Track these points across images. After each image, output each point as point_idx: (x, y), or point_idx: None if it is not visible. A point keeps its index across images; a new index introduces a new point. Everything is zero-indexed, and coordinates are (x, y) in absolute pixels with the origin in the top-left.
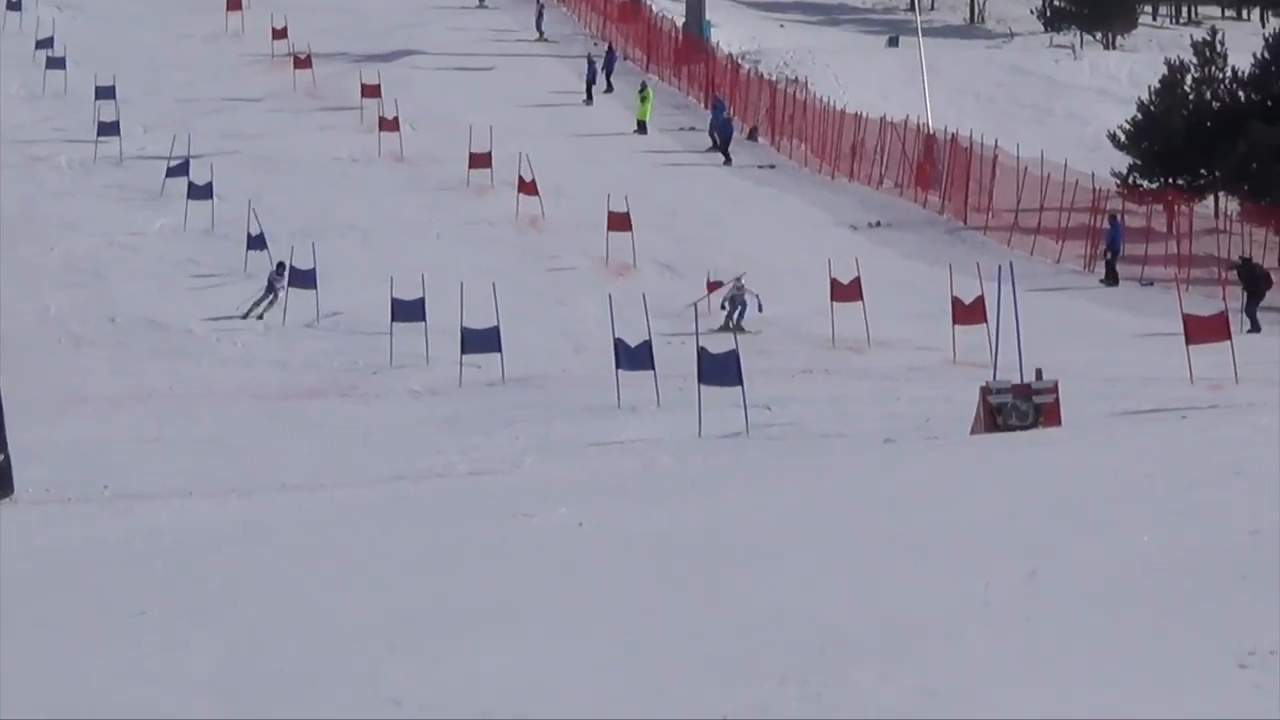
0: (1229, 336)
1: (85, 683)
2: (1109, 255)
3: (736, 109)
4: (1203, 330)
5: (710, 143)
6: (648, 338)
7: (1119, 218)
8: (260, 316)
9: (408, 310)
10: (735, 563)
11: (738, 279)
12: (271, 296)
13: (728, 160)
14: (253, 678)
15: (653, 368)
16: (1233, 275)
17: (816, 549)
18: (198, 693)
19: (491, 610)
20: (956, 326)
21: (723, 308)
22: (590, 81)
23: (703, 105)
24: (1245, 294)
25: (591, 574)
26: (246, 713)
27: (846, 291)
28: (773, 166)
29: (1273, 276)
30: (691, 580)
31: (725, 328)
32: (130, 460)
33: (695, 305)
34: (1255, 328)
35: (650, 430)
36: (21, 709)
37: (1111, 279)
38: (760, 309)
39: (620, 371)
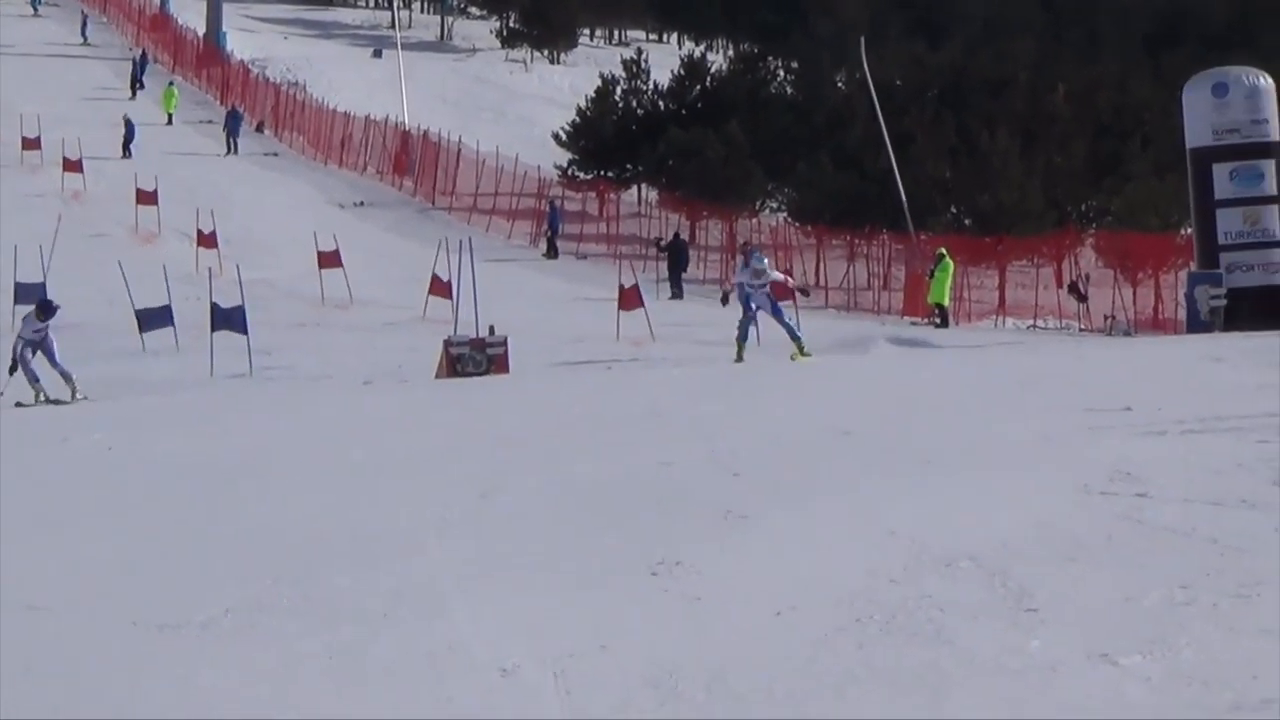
0: (642, 305)
1: None
2: (550, 233)
3: (247, 107)
4: (630, 298)
5: (227, 146)
6: (167, 302)
7: (558, 202)
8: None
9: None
10: (237, 479)
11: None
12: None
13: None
14: None
15: (172, 323)
16: (653, 250)
17: (305, 469)
18: None
19: (34, 520)
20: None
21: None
22: (134, 79)
23: (219, 103)
24: (670, 265)
25: (120, 489)
26: None
27: (330, 259)
28: (276, 154)
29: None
30: (201, 494)
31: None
32: None
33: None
34: (678, 294)
35: (171, 371)
36: None
37: (552, 253)
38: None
39: (144, 332)
